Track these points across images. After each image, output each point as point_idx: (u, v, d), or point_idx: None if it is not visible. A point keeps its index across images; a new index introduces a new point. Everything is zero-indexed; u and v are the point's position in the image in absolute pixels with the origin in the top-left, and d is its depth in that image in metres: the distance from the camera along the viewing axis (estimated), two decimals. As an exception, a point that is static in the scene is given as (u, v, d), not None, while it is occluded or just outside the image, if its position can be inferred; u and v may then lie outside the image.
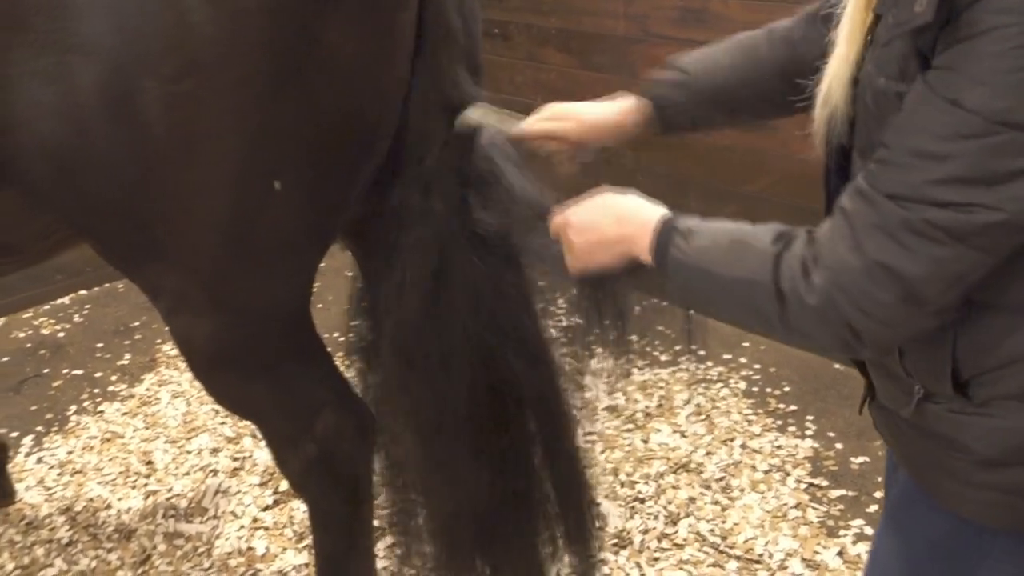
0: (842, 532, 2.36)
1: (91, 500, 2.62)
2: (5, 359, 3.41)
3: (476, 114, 1.33)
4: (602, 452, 2.71)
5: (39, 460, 2.82)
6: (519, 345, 1.41)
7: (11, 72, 1.12)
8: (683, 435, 2.80)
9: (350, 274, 4.01)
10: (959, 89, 0.76)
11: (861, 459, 2.66)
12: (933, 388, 0.98)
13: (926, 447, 1.03)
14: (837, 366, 3.12)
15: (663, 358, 3.22)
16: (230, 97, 1.12)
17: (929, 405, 0.99)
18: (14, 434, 2.93)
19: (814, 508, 2.46)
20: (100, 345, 3.51)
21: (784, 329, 0.94)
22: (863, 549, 2.30)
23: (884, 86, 0.87)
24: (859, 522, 2.40)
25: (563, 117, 1.37)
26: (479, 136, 1.37)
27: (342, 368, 1.67)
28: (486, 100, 1.36)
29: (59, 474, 2.75)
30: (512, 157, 1.39)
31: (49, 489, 2.68)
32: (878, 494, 2.50)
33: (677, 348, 3.27)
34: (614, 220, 1.11)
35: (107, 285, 3.98)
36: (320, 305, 1.49)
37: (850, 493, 2.51)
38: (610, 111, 1.37)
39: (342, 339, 3.42)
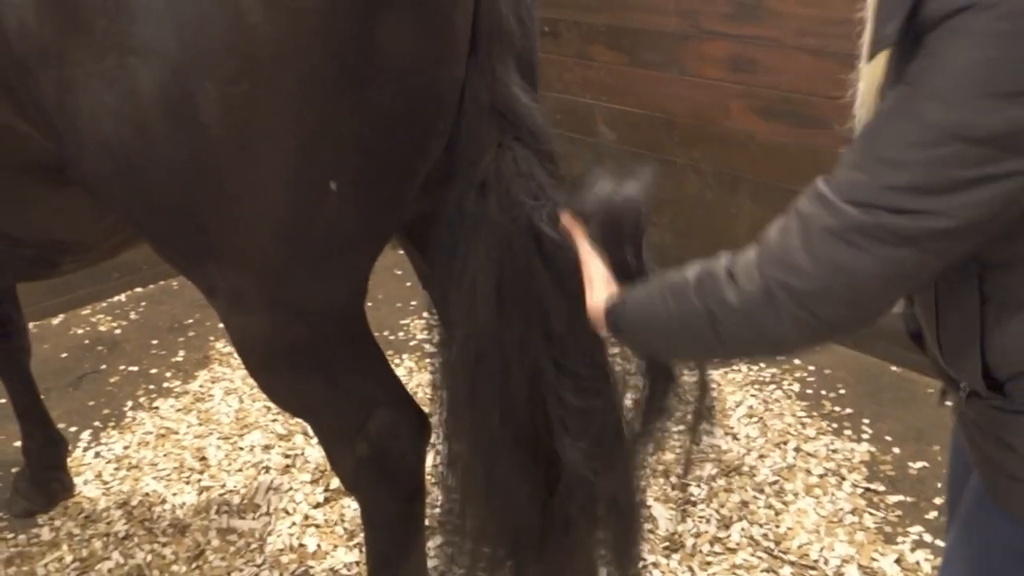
0: (900, 539, 2.31)
1: (147, 495, 2.67)
2: (64, 355, 3.49)
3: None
4: (652, 454, 2.68)
5: (97, 455, 2.88)
6: (577, 351, 1.39)
7: (76, 73, 1.13)
8: (735, 438, 2.76)
9: (399, 272, 4.02)
10: (919, 102, 0.80)
11: (919, 464, 2.60)
12: (974, 386, 0.99)
13: (986, 446, 1.03)
14: (894, 368, 3.06)
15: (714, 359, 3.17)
16: (287, 98, 1.12)
17: (977, 402, 1.01)
18: (73, 429, 2.99)
19: (871, 514, 2.41)
20: (155, 342, 3.58)
21: (722, 345, 0.99)
22: (922, 557, 2.24)
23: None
24: (918, 529, 2.34)
25: None
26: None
27: (394, 366, 1.68)
28: (538, 100, 1.35)
29: (116, 468, 2.80)
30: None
31: (106, 483, 2.74)
32: (938, 500, 2.44)
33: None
34: (591, 301, 1.20)
35: (162, 283, 4.05)
36: (370, 304, 1.49)
37: (908, 499, 2.45)
38: None
39: (392, 337, 3.45)
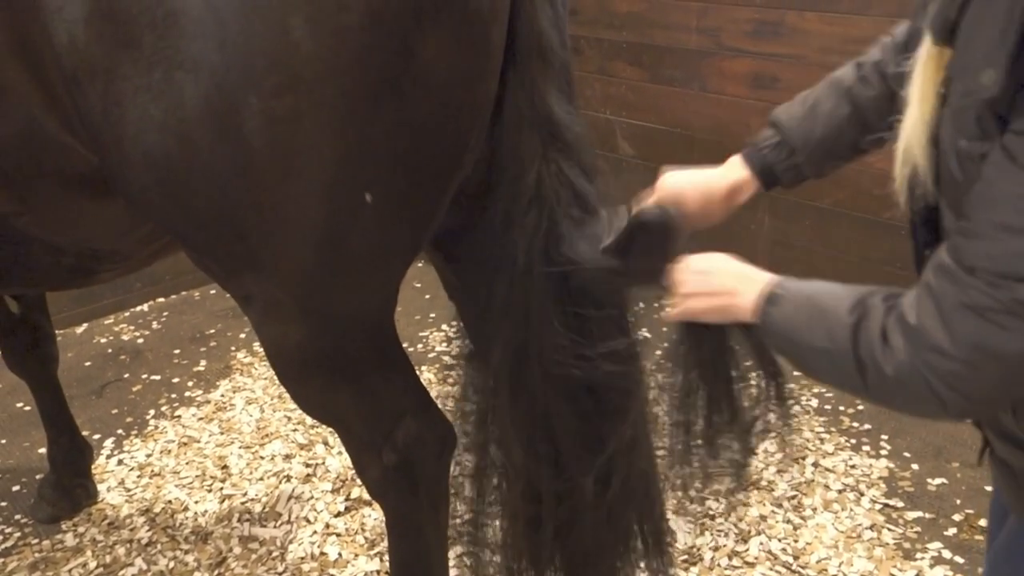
0: (919, 555, 2.31)
1: (169, 502, 2.69)
2: (87, 363, 3.53)
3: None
4: (671, 467, 2.69)
5: (120, 462, 2.91)
6: (612, 368, 1.42)
7: (124, 87, 1.17)
8: (754, 452, 2.76)
9: (418, 285, 4.05)
10: None
11: (938, 480, 2.60)
12: None
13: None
14: (912, 385, 3.05)
15: (732, 373, 3.18)
16: (329, 112, 1.15)
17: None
18: (96, 436, 3.03)
19: (889, 529, 2.41)
20: (177, 351, 3.62)
21: (868, 394, 0.97)
22: (940, 573, 2.24)
23: (967, 148, 0.87)
24: (936, 545, 2.34)
25: (672, 202, 1.36)
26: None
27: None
28: (576, 113, 1.38)
29: (139, 476, 2.84)
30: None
31: (129, 490, 2.77)
32: (956, 516, 2.44)
33: (747, 364, 3.23)
34: (733, 273, 1.15)
35: (184, 293, 4.10)
36: (391, 316, 1.53)
37: (927, 515, 2.46)
38: (714, 187, 1.38)
39: (411, 349, 3.47)
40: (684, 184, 1.36)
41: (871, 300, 0.96)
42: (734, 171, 1.37)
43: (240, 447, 2.95)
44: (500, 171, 1.34)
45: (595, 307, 1.36)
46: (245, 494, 2.71)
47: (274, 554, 2.45)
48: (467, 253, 1.44)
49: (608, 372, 1.40)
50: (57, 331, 2.66)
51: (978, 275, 0.81)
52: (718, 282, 1.17)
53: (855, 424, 2.89)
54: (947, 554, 2.31)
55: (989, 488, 1.43)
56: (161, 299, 4.06)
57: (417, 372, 1.64)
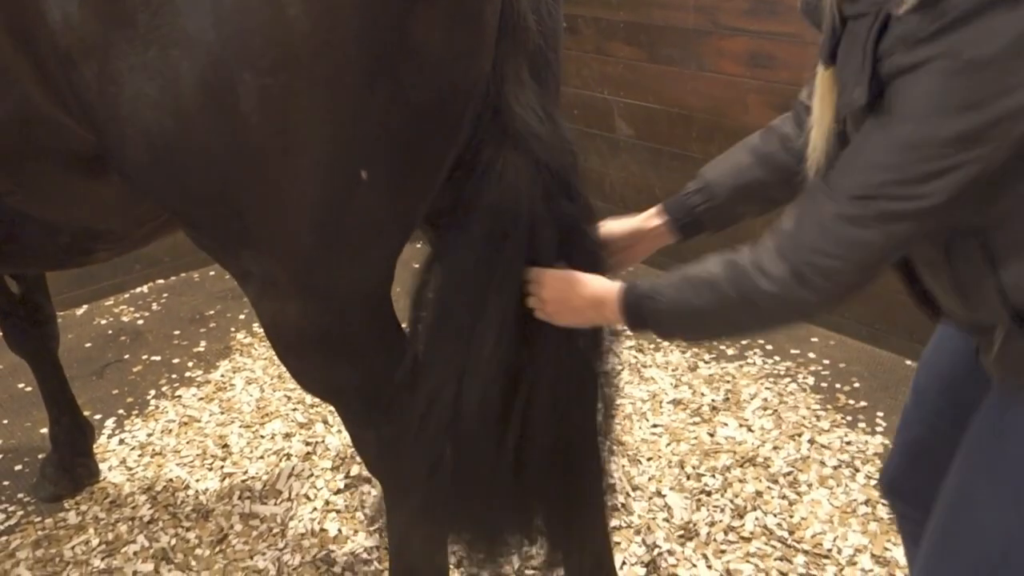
0: (913, 529, 2.33)
1: (170, 481, 2.72)
2: (88, 345, 3.55)
3: None
4: (668, 444, 2.72)
5: (121, 442, 2.94)
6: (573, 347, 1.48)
7: (119, 65, 1.17)
8: (750, 429, 2.79)
9: (416, 266, 4.07)
10: (894, 125, 1.05)
11: (933, 457, 2.62)
12: (1001, 320, 1.17)
13: None
14: (909, 362, 3.08)
15: (730, 352, 3.20)
16: (324, 89, 1.16)
17: (1014, 343, 1.18)
18: (97, 416, 3.05)
19: (884, 505, 2.43)
20: (177, 332, 3.63)
21: (758, 322, 1.27)
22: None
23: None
24: (931, 520, 2.37)
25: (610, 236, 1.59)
26: None
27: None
28: (548, 98, 1.42)
29: (140, 455, 2.86)
30: None
31: (131, 469, 2.79)
32: (951, 492, 2.47)
33: (744, 342, 3.25)
34: (584, 295, 1.38)
35: (183, 275, 4.11)
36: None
37: (922, 490, 2.48)
38: (636, 233, 1.60)
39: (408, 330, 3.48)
40: (612, 227, 1.59)
41: (731, 254, 1.22)
42: (656, 217, 1.58)
43: (240, 426, 2.97)
44: (466, 154, 1.38)
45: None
46: (246, 472, 2.74)
47: (275, 531, 2.48)
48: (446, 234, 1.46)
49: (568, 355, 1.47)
50: (58, 312, 2.68)
51: (852, 198, 1.10)
52: (576, 305, 1.40)
53: (851, 401, 2.91)
54: (940, 528, 2.33)
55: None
56: (161, 280, 4.08)
57: (413, 351, 1.65)
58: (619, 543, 2.32)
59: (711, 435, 2.77)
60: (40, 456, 2.79)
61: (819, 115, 1.21)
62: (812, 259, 1.13)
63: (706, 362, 3.16)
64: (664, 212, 1.56)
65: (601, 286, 1.38)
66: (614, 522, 2.34)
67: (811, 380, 3.04)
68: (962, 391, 1.41)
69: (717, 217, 1.54)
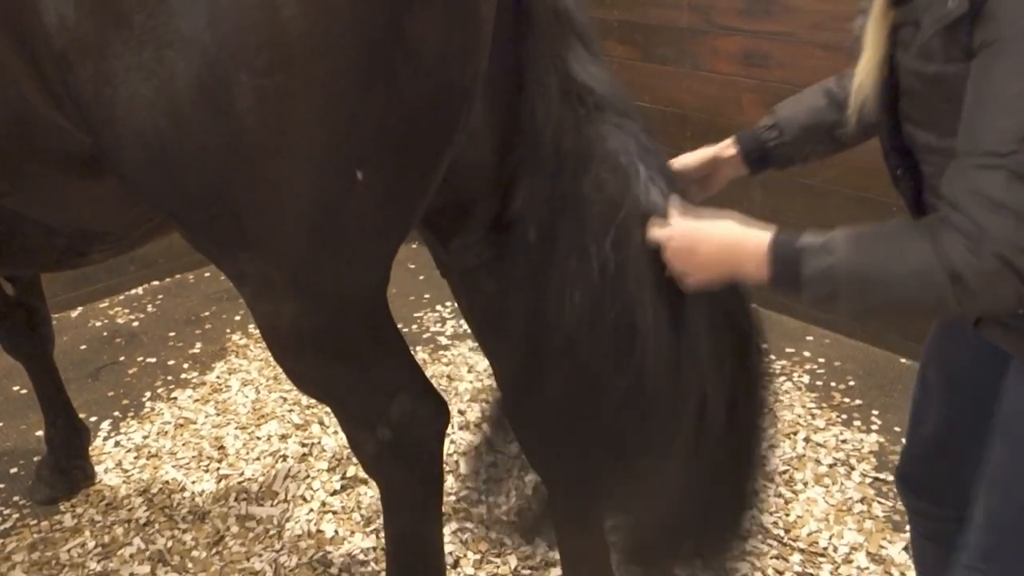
0: (908, 527, 2.34)
1: (166, 482, 2.71)
2: (83, 347, 3.54)
3: None
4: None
5: (116, 444, 2.93)
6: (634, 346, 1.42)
7: (114, 66, 1.17)
8: (746, 428, 2.79)
9: (412, 266, 4.05)
10: (1019, 40, 0.95)
11: (928, 454, 2.63)
12: None
13: None
14: (903, 360, 3.08)
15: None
16: (320, 89, 1.16)
17: None
18: (93, 419, 3.04)
19: (879, 503, 2.44)
20: (172, 334, 3.63)
21: (959, 304, 1.05)
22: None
23: (936, 71, 1.09)
24: (927, 517, 2.37)
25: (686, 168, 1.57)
26: None
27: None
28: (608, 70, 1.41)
29: (136, 457, 2.85)
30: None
31: (127, 471, 2.79)
32: (946, 490, 2.47)
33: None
34: (718, 245, 1.24)
35: (178, 276, 4.10)
36: (385, 296, 1.53)
37: (917, 488, 2.48)
38: (718, 163, 1.58)
39: (405, 330, 3.48)
40: (686, 159, 1.56)
41: (931, 222, 1.07)
42: (729, 146, 1.57)
43: (236, 428, 2.96)
44: (537, 146, 1.35)
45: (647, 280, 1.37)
46: (242, 474, 2.73)
47: (271, 532, 2.48)
48: (510, 232, 1.44)
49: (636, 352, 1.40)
50: (52, 315, 2.67)
51: (1012, 152, 0.96)
52: (706, 257, 1.26)
53: (846, 400, 2.92)
54: (936, 526, 2.34)
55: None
56: (156, 282, 4.07)
57: (412, 352, 1.65)
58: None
59: (707, 434, 2.77)
60: (36, 459, 2.78)
61: (872, 46, 1.14)
62: (1015, 238, 0.98)
63: (702, 361, 3.16)
64: (737, 143, 1.55)
65: (739, 231, 1.22)
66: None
67: (806, 379, 3.05)
68: (972, 382, 1.41)
69: (785, 154, 1.52)
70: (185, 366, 3.38)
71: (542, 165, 1.37)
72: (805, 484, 2.53)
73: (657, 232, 1.33)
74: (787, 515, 2.41)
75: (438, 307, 3.65)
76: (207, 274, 4.07)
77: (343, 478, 2.66)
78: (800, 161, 1.54)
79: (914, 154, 1.23)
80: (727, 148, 1.56)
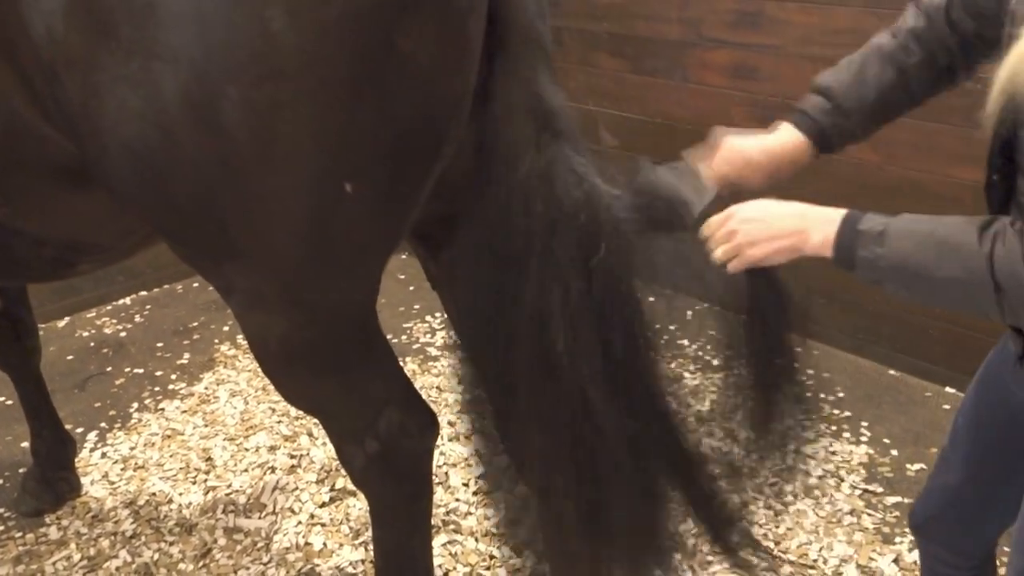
0: (898, 539, 2.34)
1: (153, 495, 2.69)
2: (70, 357, 3.52)
3: (668, 178, 1.37)
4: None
5: (103, 455, 2.91)
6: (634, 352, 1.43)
7: (102, 78, 1.17)
8: (735, 439, 2.79)
9: (402, 277, 4.05)
10: None
11: (917, 466, 2.63)
12: None
13: None
14: (892, 372, 3.09)
15: (714, 363, 3.21)
16: (309, 103, 1.16)
17: None
18: (79, 430, 3.02)
19: (869, 514, 2.45)
20: (160, 345, 3.61)
21: (1000, 314, 1.07)
22: (918, 557, 2.27)
23: None
24: (915, 529, 2.38)
25: (740, 164, 1.45)
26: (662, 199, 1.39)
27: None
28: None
29: (122, 469, 2.83)
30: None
31: (113, 483, 2.77)
32: (935, 501, 2.48)
33: (729, 353, 3.26)
34: (792, 214, 1.23)
35: (166, 286, 4.09)
36: (374, 307, 1.53)
37: (906, 500, 2.49)
38: (780, 151, 1.44)
39: (395, 341, 3.48)
40: (750, 148, 1.44)
41: (996, 227, 1.06)
42: (790, 135, 1.43)
43: (224, 439, 2.95)
44: (496, 163, 1.35)
45: (605, 292, 1.37)
46: (230, 486, 2.71)
47: (259, 545, 2.46)
48: (455, 243, 1.44)
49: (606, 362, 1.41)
50: (39, 325, 2.65)
51: None
52: (779, 225, 1.23)
53: (835, 411, 2.92)
54: (925, 538, 2.34)
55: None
56: (143, 292, 4.05)
57: (401, 363, 1.65)
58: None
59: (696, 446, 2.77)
60: (21, 470, 2.76)
61: None
62: None
63: (692, 373, 3.16)
64: (799, 129, 1.43)
65: (811, 208, 1.22)
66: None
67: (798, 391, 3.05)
68: (1004, 437, 1.40)
69: (845, 139, 1.43)
70: (173, 377, 3.36)
71: (497, 181, 1.36)
72: (795, 496, 2.53)
73: (721, 214, 1.29)
74: (776, 527, 2.41)
75: (428, 318, 3.65)
76: (195, 284, 4.06)
77: (332, 490, 2.65)
78: (863, 139, 1.45)
79: (1017, 162, 1.15)
80: (794, 136, 1.42)
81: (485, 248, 1.39)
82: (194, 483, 2.74)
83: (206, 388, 3.27)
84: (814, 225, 1.19)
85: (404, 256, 3.56)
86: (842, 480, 2.59)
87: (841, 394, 3.02)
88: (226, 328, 3.68)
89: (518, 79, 1.32)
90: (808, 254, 1.21)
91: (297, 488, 2.67)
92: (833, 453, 2.71)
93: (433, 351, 3.42)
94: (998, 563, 1.64)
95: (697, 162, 1.48)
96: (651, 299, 1.45)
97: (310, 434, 2.92)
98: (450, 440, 2.80)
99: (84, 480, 2.76)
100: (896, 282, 1.14)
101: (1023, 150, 1.11)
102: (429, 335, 3.54)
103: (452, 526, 2.45)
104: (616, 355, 1.41)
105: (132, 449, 2.93)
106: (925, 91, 1.38)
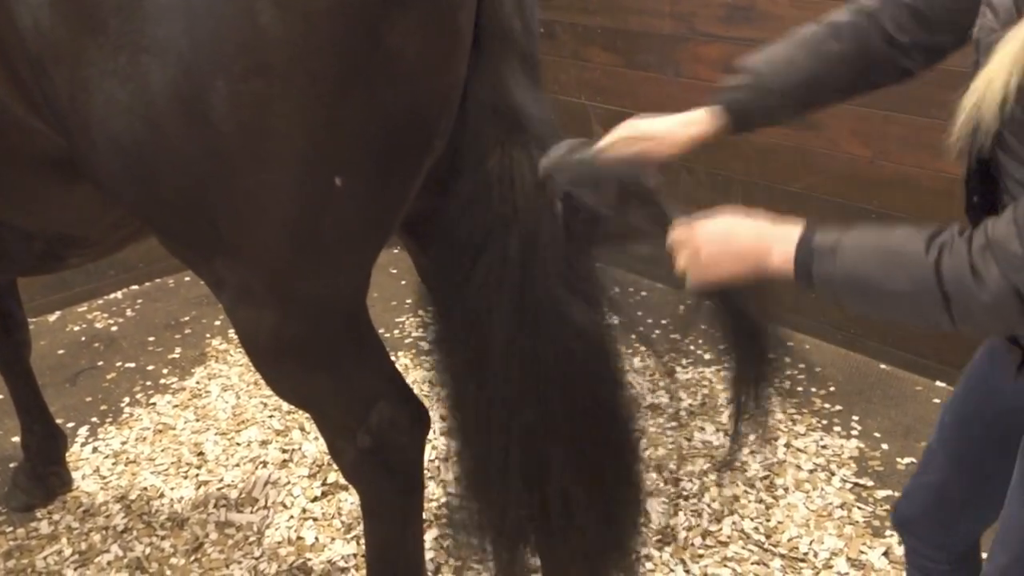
0: (888, 532, 2.35)
1: (145, 489, 2.69)
2: (61, 351, 3.51)
3: (553, 157, 1.35)
4: (646, 449, 2.72)
5: (94, 450, 2.90)
6: (589, 349, 1.44)
7: (89, 72, 1.16)
8: (726, 433, 2.80)
9: (394, 271, 4.05)
10: None
11: (907, 460, 2.64)
12: None
13: None
14: (883, 366, 3.10)
15: (707, 356, 3.22)
16: (297, 96, 1.15)
17: None
18: (70, 424, 3.01)
19: (859, 508, 2.45)
20: (152, 339, 3.60)
21: (953, 325, 1.05)
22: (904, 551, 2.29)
23: None
24: (906, 522, 2.39)
25: (640, 138, 1.41)
26: (560, 176, 1.37)
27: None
28: (543, 99, 1.39)
29: (114, 463, 2.83)
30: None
31: (104, 478, 2.76)
32: (925, 495, 2.49)
33: (721, 347, 3.26)
34: (751, 232, 1.19)
35: (158, 280, 4.07)
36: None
37: (896, 493, 2.50)
38: (685, 124, 1.41)
39: (387, 335, 3.48)
40: (644, 130, 1.42)
41: (943, 237, 1.05)
42: (702, 112, 1.40)
43: (216, 434, 2.94)
44: (462, 158, 1.35)
45: (567, 287, 1.37)
46: (221, 480, 2.71)
47: (251, 539, 2.46)
48: (437, 237, 1.45)
49: (582, 350, 1.41)
50: (29, 319, 2.64)
51: None
52: (738, 246, 1.19)
53: (826, 405, 2.93)
54: (915, 531, 2.35)
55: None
56: (135, 286, 4.04)
57: (393, 357, 1.65)
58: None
59: (688, 440, 2.78)
60: (12, 465, 2.75)
61: (1001, 77, 1.01)
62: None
63: (683, 367, 3.17)
64: (726, 112, 1.38)
65: (771, 224, 1.18)
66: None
67: (787, 384, 3.06)
68: (989, 436, 1.40)
69: (753, 121, 1.39)
70: (164, 371, 3.36)
71: (461, 176, 1.37)
72: (786, 489, 2.53)
73: (684, 229, 1.26)
74: (767, 520, 2.42)
75: (420, 312, 3.63)
76: (187, 279, 4.04)
77: (323, 484, 2.65)
78: (784, 121, 1.43)
79: (1000, 183, 1.14)
80: (708, 121, 1.39)
81: (446, 237, 1.40)
82: (186, 478, 2.74)
83: (198, 383, 3.26)
84: (773, 245, 1.16)
85: (396, 250, 3.55)
86: (833, 474, 2.60)
87: (832, 388, 3.02)
88: (218, 322, 3.67)
89: (487, 78, 1.32)
90: (771, 276, 1.18)
91: (289, 482, 2.67)
92: (824, 447, 2.72)
93: (425, 345, 3.40)
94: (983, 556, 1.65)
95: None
96: (643, 293, 1.46)
97: (302, 428, 2.91)
98: (442, 434, 2.79)
99: (75, 475, 2.75)
100: (850, 297, 1.13)
101: (1004, 172, 1.10)
102: (422, 329, 3.51)
103: (444, 520, 2.45)
104: (547, 357, 1.42)
105: (123, 444, 2.92)
106: (854, 86, 1.35)
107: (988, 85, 1.01)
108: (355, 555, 2.36)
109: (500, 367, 1.40)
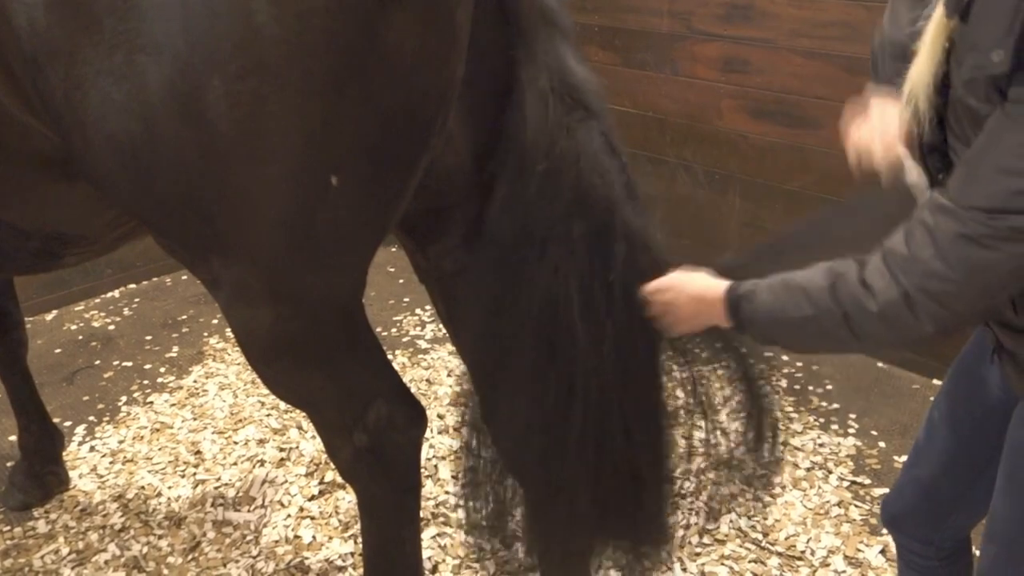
0: (885, 530, 2.35)
1: (142, 488, 2.69)
2: (58, 350, 3.51)
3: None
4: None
5: (92, 449, 2.90)
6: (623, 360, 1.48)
7: (85, 71, 1.16)
8: (724, 432, 2.79)
9: (391, 269, 4.04)
10: None
11: (904, 458, 2.63)
12: None
13: None
14: (880, 364, 3.10)
15: (703, 355, 3.21)
16: (294, 95, 1.15)
17: None
18: (67, 423, 3.01)
19: (857, 506, 2.46)
20: (149, 338, 3.60)
21: (856, 341, 1.14)
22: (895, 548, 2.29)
23: (975, 106, 1.03)
24: (903, 521, 2.39)
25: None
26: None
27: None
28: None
29: (111, 462, 2.82)
30: None
31: (102, 477, 2.76)
32: (922, 493, 2.49)
33: (718, 345, 3.26)
34: (689, 299, 1.34)
35: (155, 279, 4.07)
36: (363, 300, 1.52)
37: (893, 492, 2.50)
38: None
39: (384, 334, 3.48)
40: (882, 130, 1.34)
41: (838, 265, 1.14)
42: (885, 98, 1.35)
43: (213, 432, 2.94)
44: (521, 152, 1.35)
45: (624, 280, 1.42)
46: (219, 479, 2.71)
47: (248, 538, 2.46)
48: (492, 234, 1.44)
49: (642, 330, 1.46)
50: (27, 318, 2.64)
51: (976, 211, 0.98)
52: (689, 309, 1.35)
53: (823, 404, 2.94)
54: (912, 529, 2.35)
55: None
56: (132, 285, 4.03)
57: (390, 356, 1.64)
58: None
59: (686, 438, 2.77)
60: (9, 464, 2.75)
61: (925, 63, 1.07)
62: (926, 283, 1.03)
63: (680, 365, 3.16)
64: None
65: (705, 284, 1.32)
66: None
67: (784, 383, 3.06)
68: (978, 431, 1.41)
69: None
70: (162, 370, 3.35)
71: (528, 168, 1.37)
72: (783, 488, 2.54)
73: (656, 286, 1.40)
74: (765, 519, 2.42)
75: (417, 311, 3.64)
76: (184, 278, 4.04)
77: (321, 483, 2.65)
78: None
79: (953, 161, 1.16)
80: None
81: (503, 235, 1.41)
82: (183, 476, 2.73)
83: (195, 381, 3.26)
84: (711, 305, 1.29)
85: (393, 249, 3.55)
86: (830, 472, 2.60)
87: (829, 386, 3.03)
88: (215, 321, 3.67)
89: (542, 63, 1.33)
90: (722, 325, 1.30)
91: (286, 481, 2.67)
92: (821, 445, 2.72)
93: (423, 344, 3.41)
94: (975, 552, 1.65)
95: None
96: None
97: (299, 427, 2.91)
98: (439, 433, 2.80)
99: (72, 474, 2.75)
100: (772, 334, 1.24)
101: (953, 151, 1.14)
102: (419, 328, 3.54)
103: (441, 518, 2.45)
104: (624, 346, 1.47)
105: (121, 442, 2.92)
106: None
107: (918, 71, 1.08)
108: (352, 554, 2.36)
109: (577, 349, 1.42)
